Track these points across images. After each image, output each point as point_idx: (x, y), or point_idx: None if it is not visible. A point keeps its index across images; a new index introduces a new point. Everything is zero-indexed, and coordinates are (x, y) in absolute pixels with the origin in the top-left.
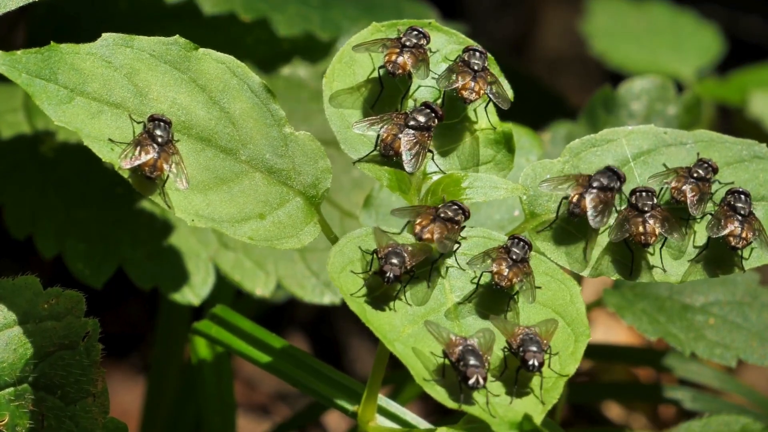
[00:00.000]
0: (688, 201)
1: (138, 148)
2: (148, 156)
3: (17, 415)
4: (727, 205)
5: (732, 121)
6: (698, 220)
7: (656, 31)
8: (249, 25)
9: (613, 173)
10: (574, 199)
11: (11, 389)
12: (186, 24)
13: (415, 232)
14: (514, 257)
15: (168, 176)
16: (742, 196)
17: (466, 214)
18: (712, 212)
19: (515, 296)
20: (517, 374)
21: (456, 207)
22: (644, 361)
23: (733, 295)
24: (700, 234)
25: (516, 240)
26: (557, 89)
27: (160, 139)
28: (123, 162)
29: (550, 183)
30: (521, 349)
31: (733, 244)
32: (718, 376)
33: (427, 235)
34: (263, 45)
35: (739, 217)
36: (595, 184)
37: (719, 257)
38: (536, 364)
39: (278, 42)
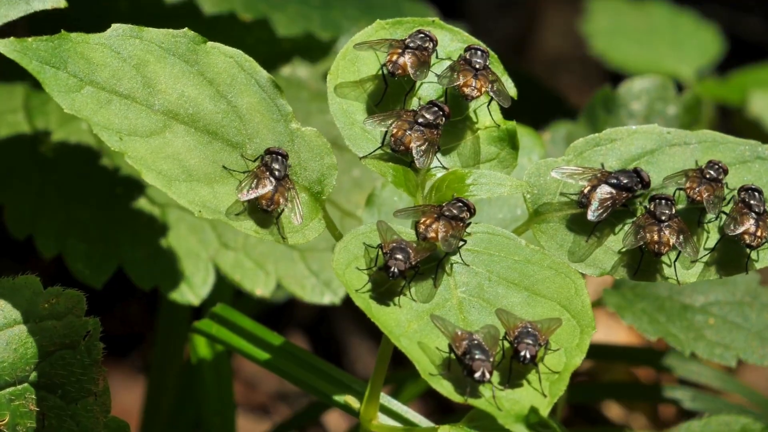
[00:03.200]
0: (705, 201)
1: (255, 181)
2: (266, 189)
3: (18, 415)
4: (742, 202)
5: (732, 121)
6: (708, 223)
7: (656, 31)
8: (249, 25)
9: (636, 176)
10: (586, 190)
11: (12, 389)
12: (186, 24)
13: (419, 232)
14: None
15: (283, 210)
16: (756, 194)
17: (472, 211)
18: (726, 212)
19: None
20: (510, 365)
21: (461, 204)
22: (644, 361)
23: (733, 295)
24: (709, 235)
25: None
26: (557, 89)
27: (277, 173)
28: (240, 194)
29: (565, 171)
30: (516, 340)
31: (748, 242)
32: (718, 376)
33: (431, 234)
34: (263, 45)
35: (754, 215)
36: (611, 181)
37: (727, 259)
38: (528, 356)
39: (278, 42)
